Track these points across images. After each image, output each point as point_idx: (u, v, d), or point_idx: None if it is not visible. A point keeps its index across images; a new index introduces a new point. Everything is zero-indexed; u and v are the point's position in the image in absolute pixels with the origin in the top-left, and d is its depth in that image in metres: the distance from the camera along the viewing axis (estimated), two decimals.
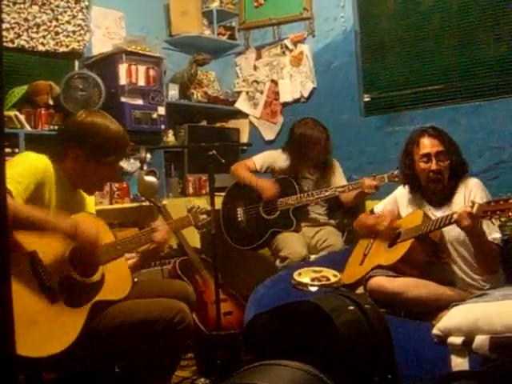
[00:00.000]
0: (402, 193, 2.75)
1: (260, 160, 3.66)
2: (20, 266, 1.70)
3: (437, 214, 2.49)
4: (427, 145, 2.51)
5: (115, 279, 1.96)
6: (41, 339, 1.67)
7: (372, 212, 2.91)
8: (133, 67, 3.61)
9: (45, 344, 1.67)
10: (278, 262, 3.30)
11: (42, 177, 1.84)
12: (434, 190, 2.53)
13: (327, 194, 3.36)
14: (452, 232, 2.41)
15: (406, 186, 2.68)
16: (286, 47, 4.33)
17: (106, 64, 3.64)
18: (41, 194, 1.83)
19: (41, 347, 1.65)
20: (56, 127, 3.24)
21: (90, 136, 1.95)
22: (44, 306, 1.73)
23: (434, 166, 2.47)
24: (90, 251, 1.83)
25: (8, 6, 3.29)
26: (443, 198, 2.55)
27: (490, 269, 2.39)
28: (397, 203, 2.77)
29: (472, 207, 2.13)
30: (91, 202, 2.22)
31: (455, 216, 2.19)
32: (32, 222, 1.69)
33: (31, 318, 1.67)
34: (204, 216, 2.51)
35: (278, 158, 3.64)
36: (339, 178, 3.61)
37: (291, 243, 3.28)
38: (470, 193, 2.48)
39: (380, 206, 2.87)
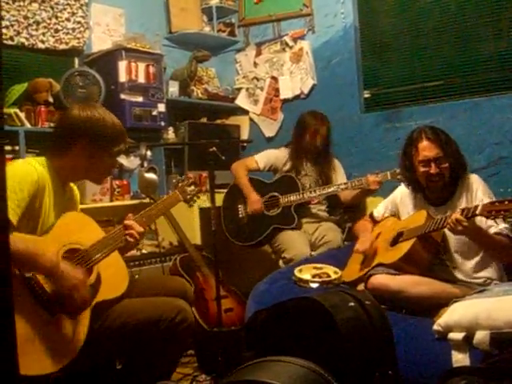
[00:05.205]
0: (403, 193, 2.73)
1: (263, 159, 3.64)
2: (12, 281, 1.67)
3: (438, 213, 2.47)
4: (426, 150, 2.46)
5: (111, 276, 1.93)
6: (43, 356, 1.64)
7: (371, 216, 2.90)
8: (133, 64, 3.61)
9: (48, 360, 1.65)
10: (281, 262, 3.28)
11: (36, 188, 1.81)
12: (435, 189, 2.51)
13: (330, 190, 3.35)
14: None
15: (409, 187, 2.66)
16: (286, 44, 4.32)
17: (106, 61, 3.64)
18: (32, 204, 1.81)
19: (45, 364, 1.63)
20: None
21: (94, 129, 1.94)
22: (43, 320, 1.70)
23: (433, 170, 2.44)
24: (67, 294, 1.74)
25: (8, 3, 3.29)
26: (444, 197, 2.53)
27: (502, 260, 2.42)
28: (396, 204, 2.77)
29: (462, 214, 2.17)
30: (78, 199, 2.19)
31: (447, 226, 2.23)
32: (12, 255, 1.66)
33: (31, 335, 1.64)
34: (192, 188, 2.35)
35: (280, 157, 3.64)
36: (340, 176, 3.61)
37: (295, 244, 3.26)
38: (471, 189, 2.47)
39: (380, 210, 2.86)
